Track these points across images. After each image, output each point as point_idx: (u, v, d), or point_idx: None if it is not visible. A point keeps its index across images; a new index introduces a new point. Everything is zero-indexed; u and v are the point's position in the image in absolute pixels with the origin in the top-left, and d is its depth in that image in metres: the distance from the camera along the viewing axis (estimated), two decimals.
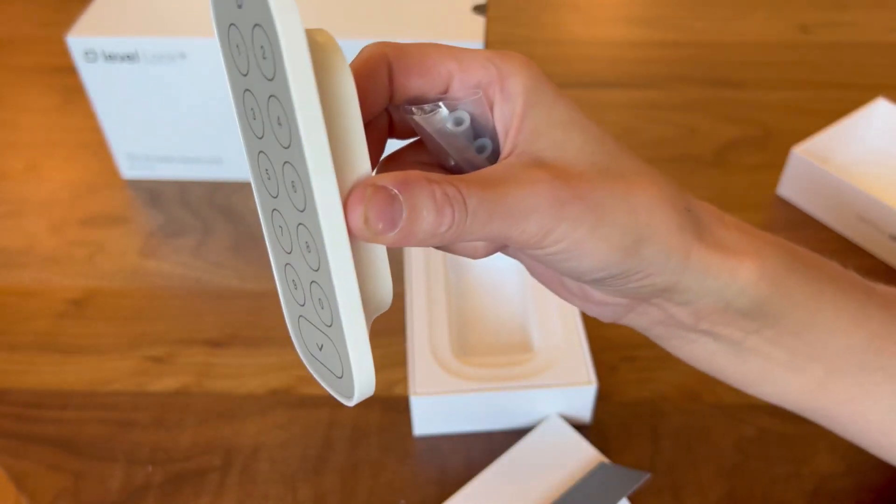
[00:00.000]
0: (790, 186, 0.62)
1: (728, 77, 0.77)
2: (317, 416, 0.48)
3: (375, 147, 0.29)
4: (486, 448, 0.46)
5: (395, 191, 0.24)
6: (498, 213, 0.25)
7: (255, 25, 0.22)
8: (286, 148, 0.23)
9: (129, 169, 0.66)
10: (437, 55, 0.27)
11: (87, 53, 0.58)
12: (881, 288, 0.34)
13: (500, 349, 0.48)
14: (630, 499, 0.43)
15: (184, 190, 0.65)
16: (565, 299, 0.33)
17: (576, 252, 0.26)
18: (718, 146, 0.69)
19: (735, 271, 0.29)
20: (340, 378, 0.26)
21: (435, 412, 0.45)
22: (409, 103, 0.27)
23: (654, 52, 0.81)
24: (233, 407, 0.49)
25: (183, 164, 0.65)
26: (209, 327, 0.54)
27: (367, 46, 0.27)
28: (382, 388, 0.49)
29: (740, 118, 0.72)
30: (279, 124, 0.23)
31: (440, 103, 0.27)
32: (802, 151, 0.61)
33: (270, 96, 0.23)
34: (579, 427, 0.46)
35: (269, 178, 0.25)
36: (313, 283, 0.25)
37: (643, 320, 0.32)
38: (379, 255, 0.26)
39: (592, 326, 0.49)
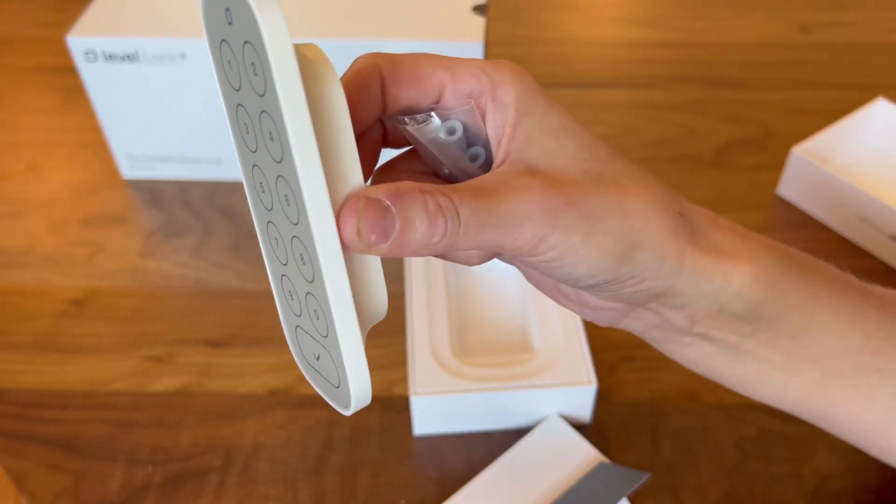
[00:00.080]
0: (790, 186, 0.62)
1: (728, 77, 0.77)
2: (317, 416, 0.48)
3: (370, 157, 0.29)
4: (486, 448, 0.46)
5: (388, 202, 0.24)
6: (491, 222, 0.25)
7: (246, 42, 0.22)
8: (279, 162, 0.23)
9: (129, 169, 0.66)
10: (428, 65, 0.27)
11: (87, 53, 0.58)
12: (878, 290, 0.34)
13: (500, 349, 0.48)
14: (630, 499, 0.43)
15: (184, 190, 0.65)
16: (562, 304, 0.33)
17: (570, 259, 0.26)
18: (718, 146, 0.69)
19: (729, 275, 0.29)
20: (337, 388, 0.26)
21: (435, 412, 0.45)
22: (402, 113, 0.28)
23: (654, 52, 0.81)
24: (233, 407, 0.49)
25: (183, 164, 0.65)
26: (209, 327, 0.54)
27: (358, 58, 0.27)
28: (382, 388, 0.49)
29: (740, 118, 0.72)
30: (271, 139, 0.23)
31: (432, 113, 0.27)
32: (802, 151, 0.61)
33: (262, 112, 0.23)
34: (579, 427, 0.46)
35: (263, 192, 0.26)
36: (309, 295, 0.25)
37: (639, 324, 0.32)
38: (373, 265, 0.26)
39: (592, 326, 0.49)
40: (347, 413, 0.26)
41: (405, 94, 0.27)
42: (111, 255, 0.60)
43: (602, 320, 0.32)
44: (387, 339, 0.51)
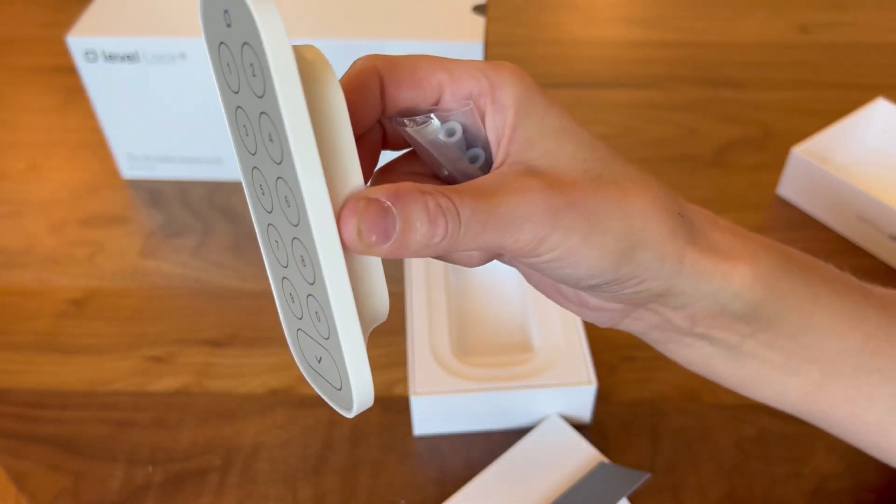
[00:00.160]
0: (790, 186, 0.63)
1: (728, 77, 0.77)
2: (317, 416, 0.48)
3: (369, 159, 0.29)
4: (486, 448, 0.46)
5: (388, 203, 0.24)
6: (491, 222, 0.25)
7: (244, 44, 0.22)
8: (278, 164, 0.23)
9: (129, 169, 0.66)
10: (427, 67, 0.27)
11: (87, 53, 0.58)
12: (878, 290, 0.34)
13: (500, 349, 0.48)
14: (630, 499, 0.43)
15: (184, 190, 0.65)
16: (562, 305, 0.33)
17: (570, 259, 0.26)
18: (718, 146, 0.69)
19: (729, 275, 0.29)
20: (339, 390, 0.26)
21: (435, 412, 0.45)
22: (401, 115, 0.28)
23: (654, 52, 0.81)
24: (233, 407, 0.49)
25: (183, 164, 0.65)
26: (209, 327, 0.54)
27: (357, 60, 0.27)
28: (382, 388, 0.49)
29: (740, 118, 0.72)
30: (271, 141, 0.23)
31: (432, 115, 0.27)
32: (802, 151, 0.61)
33: (261, 113, 0.23)
34: (579, 427, 0.46)
35: (263, 194, 0.25)
36: (310, 297, 0.25)
37: (639, 325, 0.32)
38: (374, 266, 0.26)
39: (592, 326, 0.49)
40: (349, 415, 0.26)
41: (404, 96, 0.27)
42: (111, 255, 0.60)
43: (602, 321, 0.32)
44: (387, 339, 0.51)
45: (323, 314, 0.25)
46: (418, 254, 0.25)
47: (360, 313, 0.25)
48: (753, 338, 0.31)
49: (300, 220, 0.23)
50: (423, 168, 0.30)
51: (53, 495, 0.45)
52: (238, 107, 0.24)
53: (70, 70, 0.74)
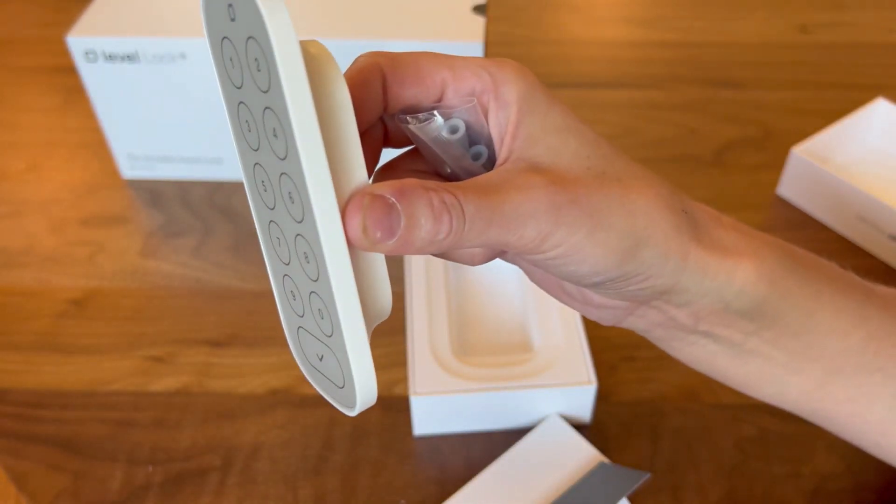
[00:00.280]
0: (790, 186, 0.63)
1: (728, 77, 0.77)
2: (317, 415, 0.48)
3: (371, 157, 0.29)
4: (486, 448, 0.46)
5: (393, 199, 0.24)
6: (496, 219, 0.25)
7: (249, 38, 0.22)
8: (282, 159, 0.23)
9: (129, 169, 0.66)
10: (430, 64, 0.27)
11: (87, 53, 0.58)
12: (880, 289, 0.34)
13: (500, 349, 0.48)
14: (630, 499, 0.43)
15: (184, 190, 0.65)
16: (565, 303, 0.33)
17: (574, 256, 0.26)
18: (718, 146, 0.69)
19: (733, 272, 0.29)
20: (342, 388, 0.26)
21: (435, 412, 0.45)
22: (404, 112, 0.28)
23: (654, 52, 0.81)
24: (233, 407, 0.49)
25: (183, 164, 0.65)
26: (209, 327, 0.54)
27: (359, 57, 0.27)
28: (382, 388, 0.49)
29: (740, 118, 0.72)
30: (275, 136, 0.23)
31: (435, 112, 0.27)
32: (802, 151, 0.61)
33: (266, 108, 0.23)
34: (579, 427, 0.46)
35: (265, 190, 0.25)
36: (312, 294, 0.25)
37: (643, 323, 0.32)
38: (378, 263, 0.26)
39: (592, 326, 0.49)
40: (352, 414, 0.26)
41: (407, 93, 0.27)
42: (111, 255, 0.60)
43: (606, 319, 0.32)
44: (387, 339, 0.51)
45: (326, 311, 0.25)
46: (422, 250, 0.25)
47: (364, 310, 0.25)
48: (757, 335, 0.31)
49: (304, 215, 0.23)
50: (425, 166, 0.30)
51: (53, 495, 0.45)
52: (240, 102, 0.24)
53: (70, 70, 0.74)
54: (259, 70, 0.22)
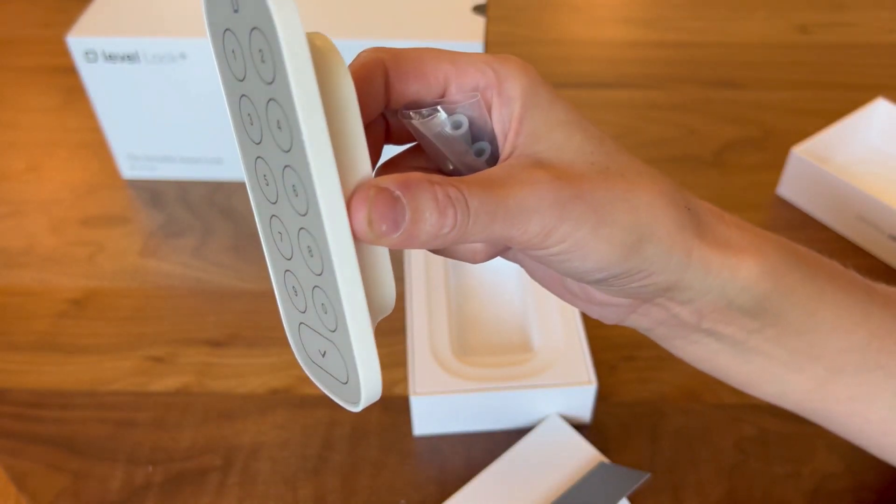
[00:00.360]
0: (790, 186, 0.63)
1: (728, 77, 0.77)
2: (317, 416, 0.48)
3: (372, 153, 0.29)
4: (486, 448, 0.46)
5: (398, 192, 0.24)
6: (500, 213, 0.25)
7: (253, 29, 0.22)
8: (287, 152, 0.23)
9: (129, 169, 0.66)
10: (433, 60, 0.27)
11: (87, 53, 0.58)
12: (881, 287, 0.34)
13: (500, 349, 0.48)
14: (630, 499, 0.43)
15: (184, 190, 0.65)
16: (567, 301, 0.33)
17: (578, 252, 0.26)
18: (718, 146, 0.69)
19: (736, 268, 0.29)
20: (345, 384, 0.26)
21: (435, 412, 0.45)
22: (407, 108, 0.27)
23: (654, 52, 0.81)
24: (233, 407, 0.49)
25: (183, 164, 0.65)
26: (209, 327, 0.54)
27: (362, 52, 0.27)
28: (383, 388, 0.49)
29: (740, 118, 0.72)
30: (279, 128, 0.23)
31: (438, 107, 0.27)
32: (802, 151, 0.61)
33: (270, 100, 0.22)
34: (579, 427, 0.46)
35: (267, 185, 0.25)
36: (316, 289, 0.25)
37: (646, 321, 0.32)
38: (382, 257, 0.26)
39: (592, 326, 0.49)
40: (356, 409, 0.26)
41: (409, 89, 0.27)
42: (111, 255, 0.60)
43: (609, 317, 0.32)
44: (387, 339, 0.51)
45: (330, 306, 0.25)
46: (427, 245, 0.25)
47: (368, 304, 0.25)
48: (760, 333, 0.31)
49: (308, 209, 0.23)
50: (427, 162, 0.30)
51: (53, 495, 0.45)
52: (242, 95, 0.24)
53: (70, 70, 0.74)
54: (263, 61, 0.22)
